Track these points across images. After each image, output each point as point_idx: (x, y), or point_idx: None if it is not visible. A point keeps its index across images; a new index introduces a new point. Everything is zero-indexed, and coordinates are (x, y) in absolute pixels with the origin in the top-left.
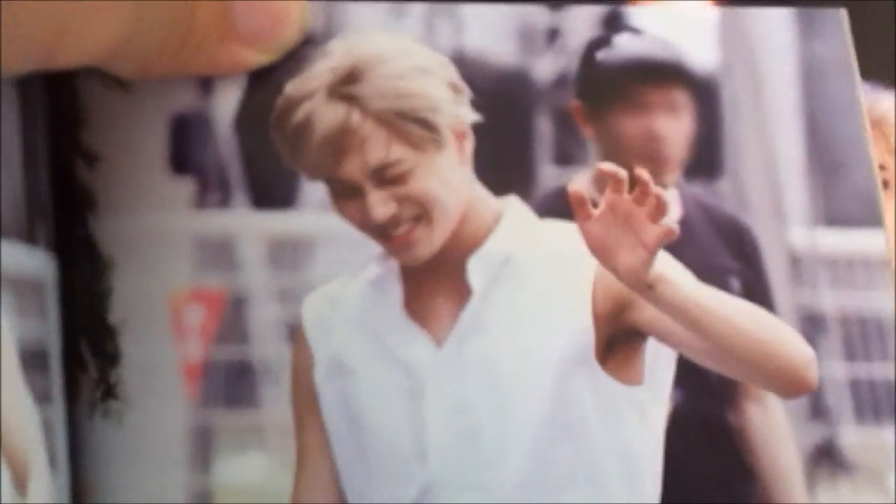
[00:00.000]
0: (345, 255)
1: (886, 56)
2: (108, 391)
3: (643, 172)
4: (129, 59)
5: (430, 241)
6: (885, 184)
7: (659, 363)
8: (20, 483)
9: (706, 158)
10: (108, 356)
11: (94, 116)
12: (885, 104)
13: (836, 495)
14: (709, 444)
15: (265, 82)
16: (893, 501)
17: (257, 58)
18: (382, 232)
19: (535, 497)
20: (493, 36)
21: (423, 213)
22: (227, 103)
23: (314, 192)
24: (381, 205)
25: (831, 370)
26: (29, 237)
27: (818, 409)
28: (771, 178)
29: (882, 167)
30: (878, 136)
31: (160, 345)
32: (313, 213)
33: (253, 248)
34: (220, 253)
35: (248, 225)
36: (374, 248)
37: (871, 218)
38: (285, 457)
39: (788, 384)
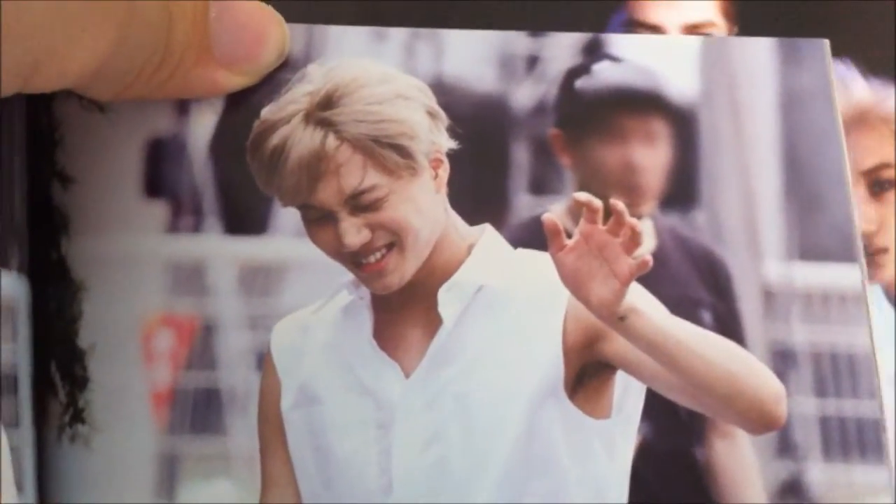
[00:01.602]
0: (316, 283)
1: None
2: (76, 415)
3: (618, 203)
4: (107, 81)
5: (402, 270)
6: (892, 183)
7: (628, 396)
8: None
9: (683, 189)
10: (77, 380)
11: (70, 138)
12: (892, 101)
13: None
14: (676, 479)
15: (242, 106)
16: None
17: (235, 81)
18: (355, 259)
19: None
20: (472, 62)
21: (396, 240)
22: (202, 127)
23: (287, 218)
24: (354, 232)
25: (801, 406)
26: (2, 260)
27: (786, 445)
28: (747, 210)
29: (888, 166)
30: (885, 134)
31: (129, 370)
32: (285, 239)
33: (224, 273)
34: (191, 278)
35: (220, 250)
36: (345, 275)
37: (847, 252)
38: (251, 485)
39: (757, 419)
